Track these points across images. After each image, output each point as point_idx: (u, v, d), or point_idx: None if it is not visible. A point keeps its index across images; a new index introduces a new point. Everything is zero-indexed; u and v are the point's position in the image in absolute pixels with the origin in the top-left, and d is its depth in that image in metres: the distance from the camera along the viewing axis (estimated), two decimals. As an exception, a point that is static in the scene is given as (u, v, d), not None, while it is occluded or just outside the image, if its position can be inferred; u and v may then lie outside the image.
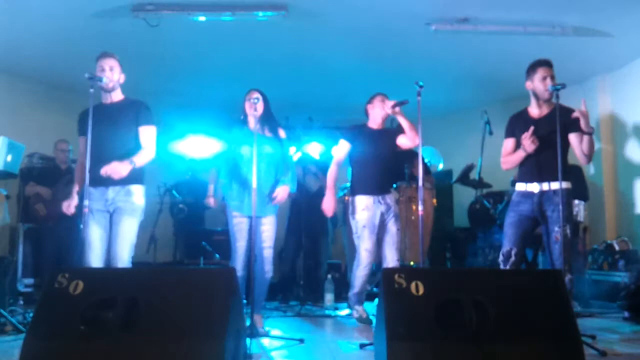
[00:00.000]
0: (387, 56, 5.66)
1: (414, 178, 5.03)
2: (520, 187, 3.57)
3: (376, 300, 3.60)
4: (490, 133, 5.52)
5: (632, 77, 5.79)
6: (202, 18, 4.65)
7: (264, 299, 3.97)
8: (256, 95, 3.74)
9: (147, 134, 3.44)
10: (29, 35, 5.08)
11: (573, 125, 3.37)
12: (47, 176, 5.41)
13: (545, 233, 3.49)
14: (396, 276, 2.38)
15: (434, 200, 5.57)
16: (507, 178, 5.36)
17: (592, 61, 5.79)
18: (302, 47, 5.50)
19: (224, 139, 4.00)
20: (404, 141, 4.14)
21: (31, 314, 3.32)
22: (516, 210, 3.53)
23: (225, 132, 4.00)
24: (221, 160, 3.97)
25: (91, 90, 3.22)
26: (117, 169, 3.20)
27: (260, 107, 3.71)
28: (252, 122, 3.84)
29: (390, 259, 4.15)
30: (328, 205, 4.21)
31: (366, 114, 4.36)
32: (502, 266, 3.49)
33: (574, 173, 4.14)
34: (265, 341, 3.50)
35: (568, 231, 3.36)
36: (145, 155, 3.39)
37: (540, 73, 3.48)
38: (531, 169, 3.51)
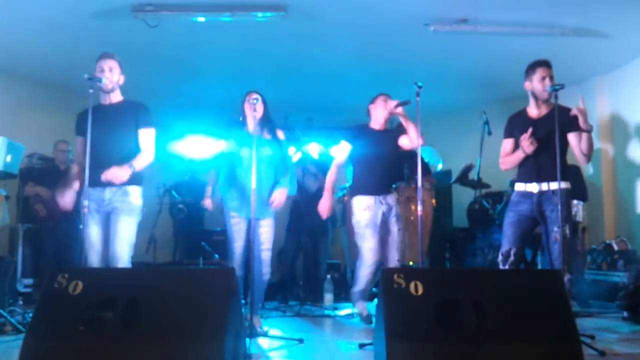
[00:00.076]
0: (386, 57, 5.66)
1: (414, 178, 5.03)
2: (520, 187, 3.57)
3: (376, 300, 3.61)
4: (489, 133, 5.52)
5: (630, 78, 5.79)
6: (201, 19, 4.65)
7: (262, 300, 3.98)
8: (255, 96, 3.74)
9: (147, 137, 3.43)
10: (29, 35, 5.08)
11: (572, 124, 3.37)
12: (46, 176, 5.40)
13: (545, 233, 3.50)
14: (395, 276, 2.39)
15: (433, 201, 5.58)
16: (506, 178, 5.36)
17: (591, 62, 5.79)
18: (301, 48, 5.50)
19: (223, 140, 3.99)
20: (406, 142, 4.14)
21: (31, 314, 3.29)
22: (515, 210, 3.54)
23: (225, 133, 4.00)
24: (220, 161, 3.96)
25: (90, 90, 3.22)
26: (117, 174, 3.20)
27: (259, 107, 3.71)
28: (251, 124, 3.85)
29: (391, 259, 4.16)
30: (324, 207, 4.21)
31: (368, 115, 4.35)
32: (501, 266, 3.49)
33: (572, 173, 4.14)
34: (265, 341, 3.50)
35: (567, 231, 3.36)
36: (144, 159, 3.39)
37: (539, 73, 3.49)
38: (530, 169, 3.51)
